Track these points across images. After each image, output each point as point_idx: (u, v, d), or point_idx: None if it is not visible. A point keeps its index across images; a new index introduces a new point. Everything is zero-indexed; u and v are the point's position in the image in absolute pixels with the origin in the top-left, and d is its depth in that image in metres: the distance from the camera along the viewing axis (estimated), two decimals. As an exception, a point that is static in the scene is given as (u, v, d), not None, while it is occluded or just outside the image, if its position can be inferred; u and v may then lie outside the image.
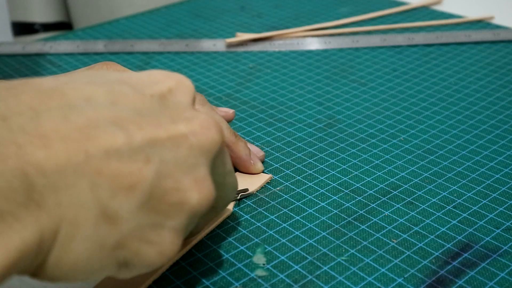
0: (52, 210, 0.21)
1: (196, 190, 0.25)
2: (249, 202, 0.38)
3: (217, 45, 0.62)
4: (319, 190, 0.39)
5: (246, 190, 0.38)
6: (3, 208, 0.20)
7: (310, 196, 0.38)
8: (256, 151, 0.42)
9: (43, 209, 0.21)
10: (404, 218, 0.36)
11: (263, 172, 0.40)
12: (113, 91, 0.24)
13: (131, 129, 0.23)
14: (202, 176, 0.25)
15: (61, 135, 0.21)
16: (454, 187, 0.39)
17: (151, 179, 0.23)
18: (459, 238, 0.35)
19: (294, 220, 0.36)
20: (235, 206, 0.37)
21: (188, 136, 0.25)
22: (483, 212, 0.37)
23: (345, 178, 0.40)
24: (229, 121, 0.42)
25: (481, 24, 0.66)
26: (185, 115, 0.25)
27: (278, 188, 0.39)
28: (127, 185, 0.22)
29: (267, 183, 0.40)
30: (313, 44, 0.62)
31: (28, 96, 0.22)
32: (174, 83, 0.27)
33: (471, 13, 0.69)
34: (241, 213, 0.37)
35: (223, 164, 0.28)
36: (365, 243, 0.34)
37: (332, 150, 0.43)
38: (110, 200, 0.22)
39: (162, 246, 0.24)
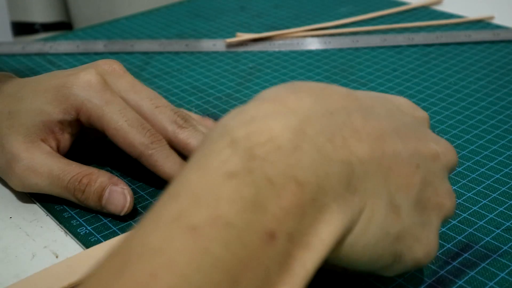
0: (361, 195, 0.24)
1: (449, 199, 0.28)
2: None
3: (217, 45, 0.62)
4: (319, 190, 0.39)
5: None
6: (336, 188, 0.23)
7: (310, 196, 0.38)
8: None
9: (357, 193, 0.24)
10: (404, 218, 0.36)
11: None
12: (386, 107, 0.28)
13: (405, 139, 0.26)
14: (450, 188, 0.29)
15: (366, 132, 0.25)
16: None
17: (420, 182, 0.26)
18: (459, 238, 0.35)
19: (294, 220, 0.36)
20: None
21: (439, 155, 0.28)
22: (483, 212, 0.37)
23: (345, 178, 0.40)
24: None
25: (481, 24, 0.66)
26: (432, 136, 0.29)
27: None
28: (406, 184, 0.25)
29: None
30: (313, 44, 0.62)
31: (336, 97, 0.26)
32: (422, 114, 0.30)
33: (471, 13, 0.69)
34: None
35: None
36: (365, 243, 0.34)
37: (332, 150, 0.43)
38: (395, 193, 0.25)
39: (429, 246, 0.27)
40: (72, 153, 0.39)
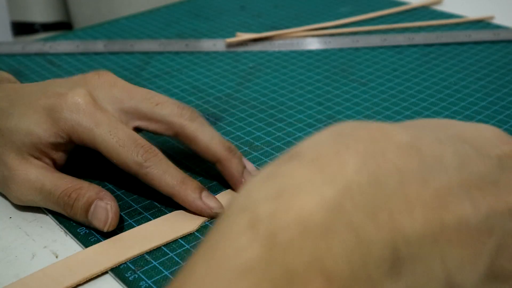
0: (407, 279, 0.20)
1: None
2: (249, 202, 0.38)
3: (217, 45, 0.62)
4: (319, 190, 0.39)
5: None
6: (373, 275, 0.19)
7: (310, 196, 0.38)
8: (251, 169, 0.40)
9: (401, 278, 0.20)
10: (404, 218, 0.36)
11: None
12: (459, 152, 0.23)
13: (477, 197, 0.22)
14: None
15: (421, 201, 0.20)
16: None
17: (493, 249, 0.22)
18: (459, 238, 0.34)
19: (294, 220, 0.36)
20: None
21: None
22: (483, 212, 0.37)
23: (345, 178, 0.40)
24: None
25: (481, 24, 0.66)
26: None
27: (278, 188, 0.39)
28: (472, 256, 0.21)
29: None
30: (313, 44, 0.62)
31: (391, 154, 0.21)
32: (510, 149, 0.25)
33: (471, 13, 0.69)
34: (241, 213, 0.37)
35: None
36: (365, 243, 0.34)
37: (332, 150, 0.43)
38: (457, 270, 0.21)
39: None
40: (70, 164, 0.39)
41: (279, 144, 0.44)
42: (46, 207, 0.37)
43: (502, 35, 0.62)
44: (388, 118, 0.48)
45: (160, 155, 0.36)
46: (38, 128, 0.36)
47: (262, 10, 0.72)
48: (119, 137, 0.36)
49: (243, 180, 0.38)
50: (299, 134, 0.45)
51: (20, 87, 0.40)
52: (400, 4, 0.72)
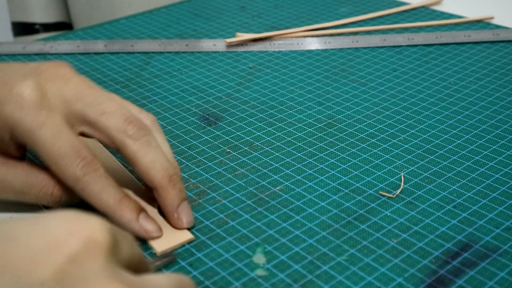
0: None
1: None
2: (249, 202, 0.38)
3: (217, 45, 0.62)
4: (319, 190, 0.39)
5: (169, 255, 0.33)
6: None
7: (310, 196, 0.38)
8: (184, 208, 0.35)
9: None
10: (404, 218, 0.36)
11: (189, 230, 0.35)
12: None
13: None
14: None
15: None
16: (454, 187, 0.39)
17: None
18: (459, 237, 0.35)
19: (294, 220, 0.36)
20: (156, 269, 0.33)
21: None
22: (483, 211, 0.37)
23: (345, 178, 0.40)
24: None
25: (481, 24, 0.66)
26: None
27: (278, 188, 0.39)
28: None
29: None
30: (313, 44, 0.62)
31: None
32: (79, 245, 0.22)
33: (471, 13, 0.69)
34: (241, 213, 0.37)
35: None
36: (365, 242, 0.34)
37: (332, 150, 0.43)
38: None
39: None
40: None
41: (279, 144, 0.44)
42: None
43: (502, 35, 0.62)
44: (388, 118, 0.48)
45: (101, 170, 0.33)
46: None
47: (262, 10, 0.72)
48: (60, 145, 0.33)
49: (175, 214, 0.35)
50: (299, 134, 0.46)
51: None
52: (400, 4, 0.72)
